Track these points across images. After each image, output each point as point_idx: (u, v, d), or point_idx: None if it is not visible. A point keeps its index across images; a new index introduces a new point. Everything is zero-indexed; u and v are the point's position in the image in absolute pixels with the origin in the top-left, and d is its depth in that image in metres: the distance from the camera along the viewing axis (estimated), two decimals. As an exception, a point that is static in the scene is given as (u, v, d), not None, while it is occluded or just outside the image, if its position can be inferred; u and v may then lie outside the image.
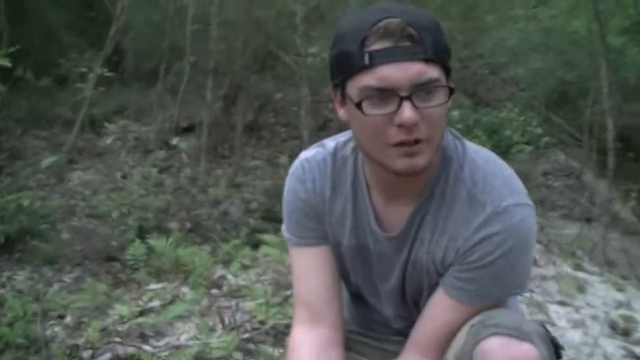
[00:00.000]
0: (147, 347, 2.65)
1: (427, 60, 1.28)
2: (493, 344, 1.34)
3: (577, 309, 3.59)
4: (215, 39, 6.63)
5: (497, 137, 7.24)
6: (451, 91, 1.33)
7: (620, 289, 4.12)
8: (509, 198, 1.41)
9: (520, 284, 1.49)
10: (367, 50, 1.27)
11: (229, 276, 3.63)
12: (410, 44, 1.26)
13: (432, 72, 1.29)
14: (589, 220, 6.67)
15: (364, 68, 1.27)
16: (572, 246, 5.32)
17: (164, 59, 7.52)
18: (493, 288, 1.45)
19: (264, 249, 4.08)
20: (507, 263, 1.41)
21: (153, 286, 3.41)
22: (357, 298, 1.74)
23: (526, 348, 1.33)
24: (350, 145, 1.56)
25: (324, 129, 8.79)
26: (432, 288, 1.52)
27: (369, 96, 1.29)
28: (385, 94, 1.27)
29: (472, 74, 10.57)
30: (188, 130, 7.87)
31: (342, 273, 1.64)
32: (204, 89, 7.01)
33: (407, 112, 1.26)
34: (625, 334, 3.31)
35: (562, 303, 3.61)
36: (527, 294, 3.45)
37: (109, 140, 6.83)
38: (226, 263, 3.86)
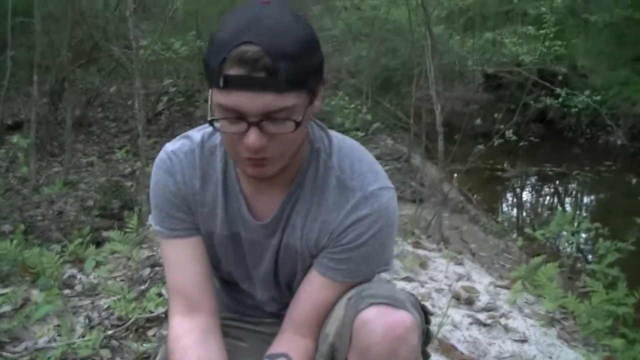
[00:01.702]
0: (6, 354, 2.54)
1: (280, 91, 1.29)
2: (371, 313, 1.42)
3: (422, 284, 3.73)
4: (38, 32, 6.35)
5: (328, 125, 7.42)
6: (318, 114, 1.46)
7: (459, 263, 4.32)
8: (375, 183, 1.52)
9: (387, 262, 1.59)
10: (224, 74, 1.28)
11: (80, 275, 3.53)
12: (264, 75, 1.26)
13: (285, 101, 1.30)
14: (421, 201, 7.02)
15: (220, 87, 1.30)
16: (409, 225, 5.52)
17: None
18: (365, 266, 1.55)
19: (109, 246, 3.98)
20: (377, 242, 1.52)
21: (-1, 291, 3.25)
22: (228, 284, 1.79)
23: (402, 315, 1.41)
24: (219, 136, 1.57)
25: (153, 122, 8.70)
26: (305, 271, 1.60)
27: (223, 112, 1.33)
28: (237, 115, 1.32)
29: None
30: (13, 128, 7.47)
31: (213, 261, 1.67)
32: (27, 84, 6.73)
33: (252, 137, 1.32)
34: (469, 302, 3.50)
35: (408, 279, 3.75)
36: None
37: None
38: (74, 262, 3.75)
